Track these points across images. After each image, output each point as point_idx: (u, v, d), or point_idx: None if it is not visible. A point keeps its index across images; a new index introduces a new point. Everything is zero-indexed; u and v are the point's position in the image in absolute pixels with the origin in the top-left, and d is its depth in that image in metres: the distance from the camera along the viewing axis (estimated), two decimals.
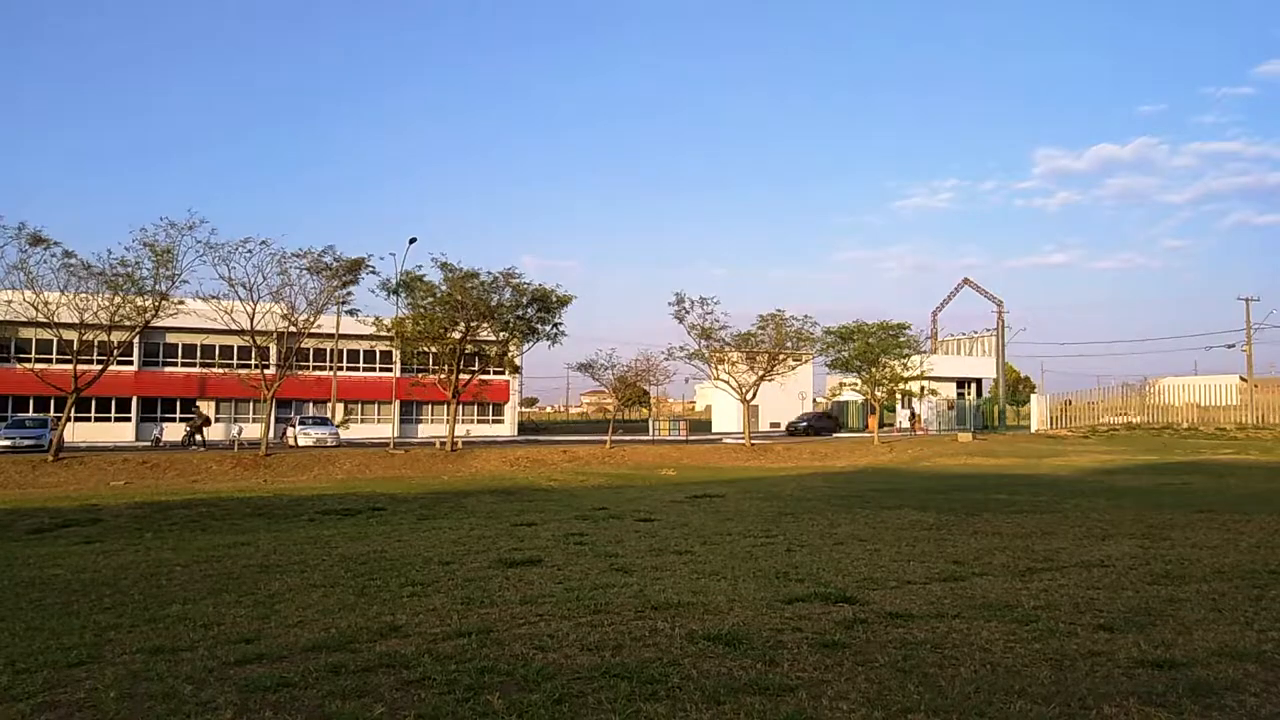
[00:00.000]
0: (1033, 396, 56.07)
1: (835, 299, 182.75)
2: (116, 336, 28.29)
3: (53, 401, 36.93)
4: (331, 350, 45.91)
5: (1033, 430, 50.18)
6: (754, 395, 39.28)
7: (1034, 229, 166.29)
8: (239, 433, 36.87)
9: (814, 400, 63.53)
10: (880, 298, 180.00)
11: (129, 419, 43.64)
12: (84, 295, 26.92)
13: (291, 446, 34.38)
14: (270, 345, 31.34)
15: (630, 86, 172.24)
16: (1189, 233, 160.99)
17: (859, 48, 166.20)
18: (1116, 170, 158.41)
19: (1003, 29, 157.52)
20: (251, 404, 43.66)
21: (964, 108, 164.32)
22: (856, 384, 42.90)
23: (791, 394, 55.71)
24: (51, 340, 34.60)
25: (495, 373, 41.29)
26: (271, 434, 31.28)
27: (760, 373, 38.58)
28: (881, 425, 42.97)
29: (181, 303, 28.72)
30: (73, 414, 30.23)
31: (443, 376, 33.73)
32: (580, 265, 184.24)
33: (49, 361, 36.64)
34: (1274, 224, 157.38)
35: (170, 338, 43.69)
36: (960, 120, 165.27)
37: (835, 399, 62.31)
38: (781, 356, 38.71)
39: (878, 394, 42.28)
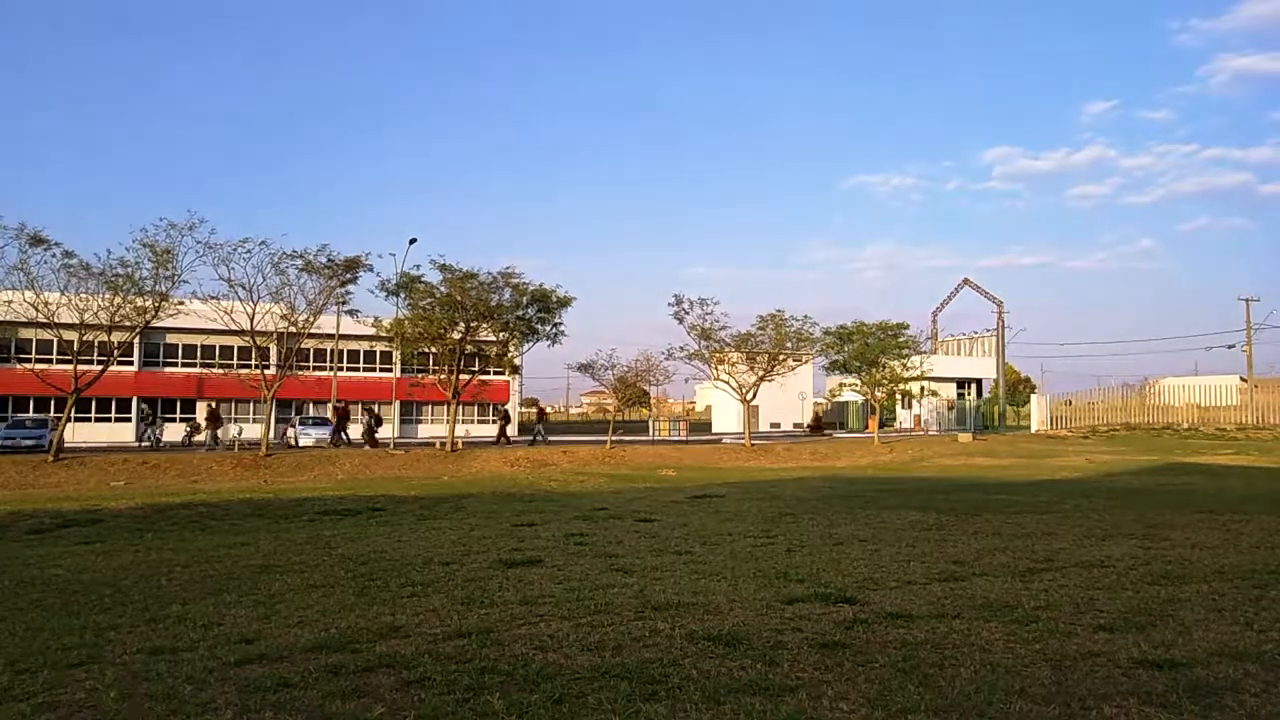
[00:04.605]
0: (1033, 397, 56.08)
1: (815, 297, 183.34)
2: (116, 337, 28.31)
3: (53, 401, 36.94)
4: (331, 350, 45.89)
5: (1033, 430, 50.20)
6: (754, 395, 39.29)
7: (1008, 229, 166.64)
8: (239, 433, 36.88)
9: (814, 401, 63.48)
10: (858, 298, 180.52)
11: (129, 419, 43.64)
12: (84, 296, 26.96)
13: (291, 447, 34.40)
14: (270, 345, 31.36)
15: (584, 83, 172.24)
16: (1160, 233, 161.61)
17: (813, 43, 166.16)
18: (1080, 170, 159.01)
19: (956, 29, 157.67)
20: (251, 404, 43.67)
21: (923, 106, 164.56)
22: (856, 384, 42.94)
23: (791, 394, 55.72)
24: (51, 340, 34.61)
25: (495, 373, 41.28)
26: (271, 434, 31.29)
27: (760, 373, 38.60)
28: (882, 426, 42.98)
29: (181, 303, 28.72)
30: (73, 414, 30.23)
31: (443, 377, 33.75)
32: (546, 264, 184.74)
33: (49, 362, 36.64)
34: (1241, 226, 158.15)
35: (170, 338, 43.68)
36: (923, 119, 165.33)
37: (835, 399, 62.31)
38: (781, 357, 38.74)
39: (877, 394, 42.29)
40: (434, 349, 33.74)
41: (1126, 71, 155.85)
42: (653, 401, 64.75)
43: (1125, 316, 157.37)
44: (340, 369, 47.01)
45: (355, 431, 38.18)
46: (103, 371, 28.09)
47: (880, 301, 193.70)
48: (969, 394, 63.90)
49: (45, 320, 26.90)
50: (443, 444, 33.08)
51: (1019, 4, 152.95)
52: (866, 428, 53.42)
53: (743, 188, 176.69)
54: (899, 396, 48.21)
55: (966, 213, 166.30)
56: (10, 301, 29.07)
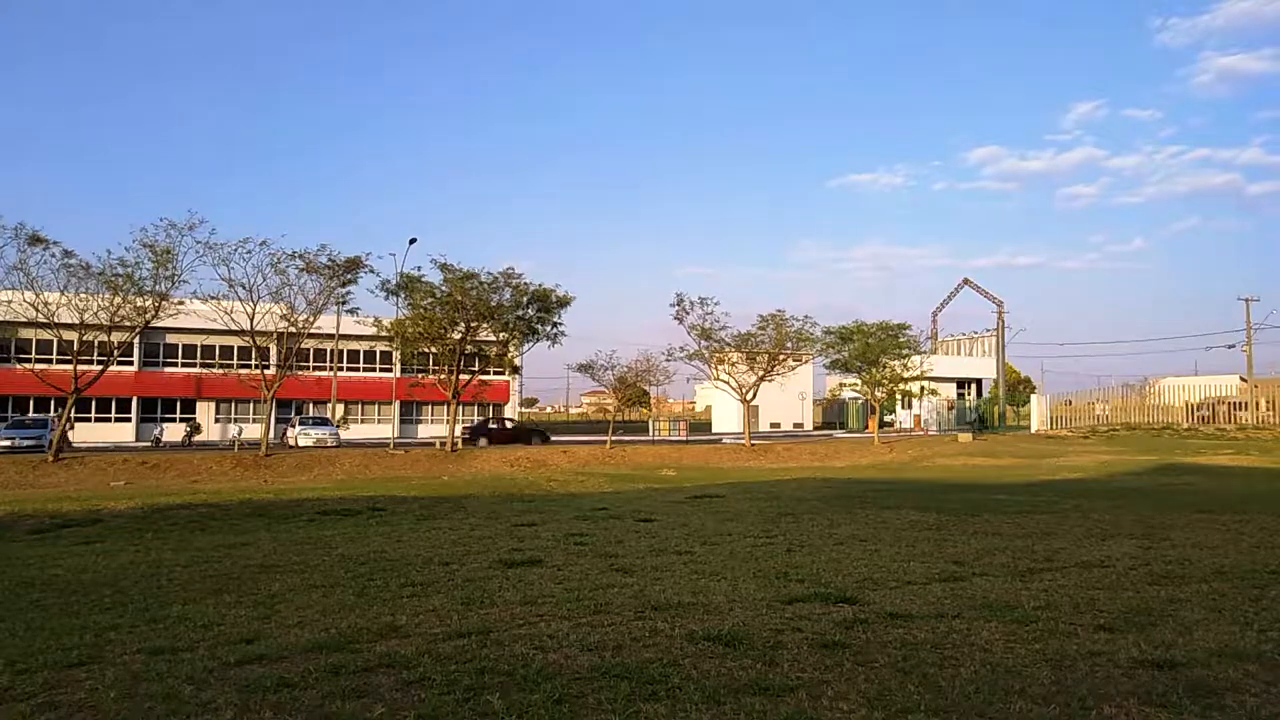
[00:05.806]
0: (1033, 397, 56.08)
1: (811, 297, 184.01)
2: (116, 337, 28.31)
3: (53, 401, 36.94)
4: (331, 350, 45.91)
5: (1033, 430, 50.19)
6: (754, 395, 39.28)
7: (1001, 229, 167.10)
8: (239, 433, 36.88)
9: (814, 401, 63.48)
10: (853, 297, 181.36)
11: (129, 419, 43.66)
12: (84, 295, 26.96)
13: (291, 447, 34.39)
14: (270, 345, 31.36)
15: (573, 79, 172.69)
16: (1152, 233, 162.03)
17: (806, 43, 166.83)
18: (1069, 171, 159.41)
19: (937, 29, 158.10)
20: (251, 404, 43.69)
21: (910, 106, 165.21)
22: (856, 384, 42.94)
23: (792, 394, 55.73)
24: (51, 340, 34.64)
25: (495, 373, 41.28)
26: (271, 434, 31.28)
27: (760, 373, 38.59)
28: (882, 426, 42.98)
29: (181, 303, 28.73)
30: (73, 414, 30.22)
31: (443, 377, 33.74)
32: (546, 264, 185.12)
33: (49, 362, 36.67)
34: (1233, 227, 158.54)
35: (170, 338, 43.71)
36: (910, 119, 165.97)
37: (835, 399, 62.36)
38: (781, 357, 38.73)
39: (878, 394, 42.29)
40: (434, 349, 33.74)
41: (1111, 71, 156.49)
42: (653, 401, 64.73)
43: (1123, 316, 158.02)
44: (340, 369, 47.02)
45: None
46: (103, 371, 28.09)
47: (876, 301, 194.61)
48: (969, 394, 63.92)
49: (45, 320, 26.90)
50: (442, 444, 33.09)
51: (1006, 4, 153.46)
52: (866, 428, 53.43)
53: (740, 187, 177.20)
54: (899, 396, 48.19)
55: (956, 212, 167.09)
56: (10, 301, 29.06)
